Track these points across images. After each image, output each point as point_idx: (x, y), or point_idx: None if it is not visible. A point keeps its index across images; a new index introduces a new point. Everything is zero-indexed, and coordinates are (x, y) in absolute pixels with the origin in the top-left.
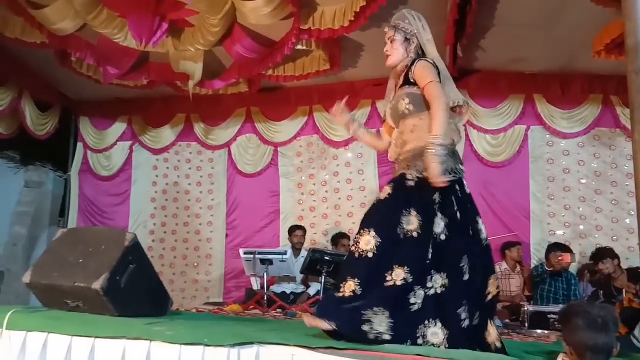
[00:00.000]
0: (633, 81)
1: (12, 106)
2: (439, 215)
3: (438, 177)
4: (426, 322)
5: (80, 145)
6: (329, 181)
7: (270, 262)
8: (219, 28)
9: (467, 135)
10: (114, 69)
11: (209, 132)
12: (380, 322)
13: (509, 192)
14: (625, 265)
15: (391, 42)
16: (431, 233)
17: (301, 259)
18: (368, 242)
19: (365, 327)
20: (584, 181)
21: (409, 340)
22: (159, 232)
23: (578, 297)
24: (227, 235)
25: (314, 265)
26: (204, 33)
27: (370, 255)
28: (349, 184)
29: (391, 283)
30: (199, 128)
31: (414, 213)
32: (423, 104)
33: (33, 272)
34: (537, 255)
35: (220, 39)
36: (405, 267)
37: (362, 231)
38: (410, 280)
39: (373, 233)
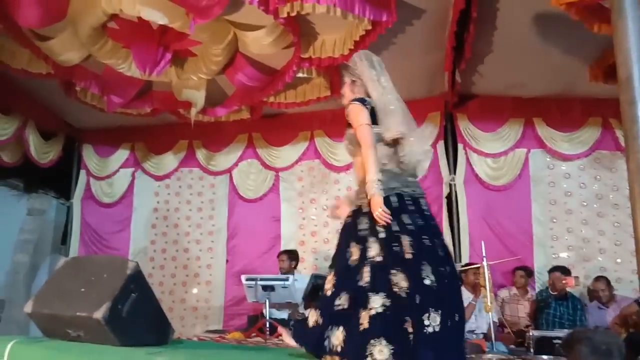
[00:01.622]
0: (626, 112)
1: (17, 135)
2: (371, 239)
3: (378, 208)
4: (372, 341)
5: (83, 172)
6: (330, 205)
7: (272, 288)
8: (221, 57)
9: (467, 159)
10: (117, 97)
11: (211, 158)
12: (336, 337)
13: (511, 215)
14: (628, 287)
15: (342, 84)
16: (365, 258)
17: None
18: (329, 281)
19: (325, 343)
20: (585, 204)
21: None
22: (159, 259)
23: (584, 323)
24: (227, 261)
25: (316, 291)
26: (207, 62)
27: (328, 293)
28: None
29: (340, 308)
30: (200, 154)
31: (353, 243)
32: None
33: (35, 302)
34: (540, 279)
35: (223, 67)
36: (348, 293)
37: (329, 271)
38: (352, 304)
39: (332, 273)
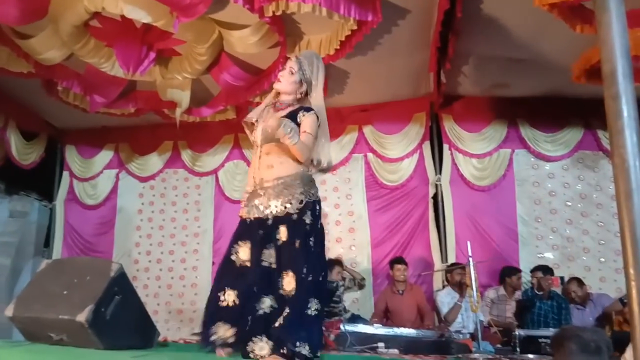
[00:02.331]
0: (610, 106)
1: None
2: (267, 245)
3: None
4: (254, 338)
5: (66, 173)
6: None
7: None
8: (206, 57)
9: (452, 160)
10: (100, 97)
11: (196, 159)
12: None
13: (496, 215)
14: (612, 286)
15: (290, 73)
16: (259, 262)
17: None
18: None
19: None
20: (569, 203)
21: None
22: (144, 261)
23: (569, 321)
24: (213, 263)
25: None
26: (191, 61)
27: None
28: (337, 208)
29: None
30: (186, 155)
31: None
32: None
33: (16, 305)
34: (526, 278)
35: (208, 67)
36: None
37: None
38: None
39: None
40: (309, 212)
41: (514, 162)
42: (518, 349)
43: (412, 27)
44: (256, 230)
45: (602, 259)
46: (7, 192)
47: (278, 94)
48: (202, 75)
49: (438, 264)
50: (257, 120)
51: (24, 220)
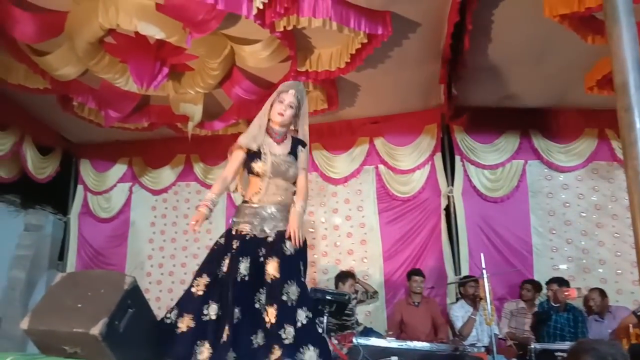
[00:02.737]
0: (622, 118)
1: (13, 150)
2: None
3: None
4: (197, 343)
5: (80, 187)
6: (328, 218)
7: None
8: (218, 71)
9: (464, 171)
10: (115, 112)
11: (208, 172)
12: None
13: (510, 226)
14: (629, 299)
15: (290, 107)
16: (236, 273)
17: None
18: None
19: None
20: (584, 214)
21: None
22: (156, 274)
23: (585, 334)
24: None
25: (315, 305)
26: (204, 76)
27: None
28: (348, 220)
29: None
30: (198, 168)
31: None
32: None
33: (31, 318)
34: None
35: (220, 81)
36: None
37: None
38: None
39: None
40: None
41: (527, 173)
42: None
43: (422, 40)
44: (257, 247)
45: (619, 271)
46: (23, 206)
47: (268, 120)
48: (214, 90)
49: (451, 276)
50: (258, 150)
51: (39, 234)
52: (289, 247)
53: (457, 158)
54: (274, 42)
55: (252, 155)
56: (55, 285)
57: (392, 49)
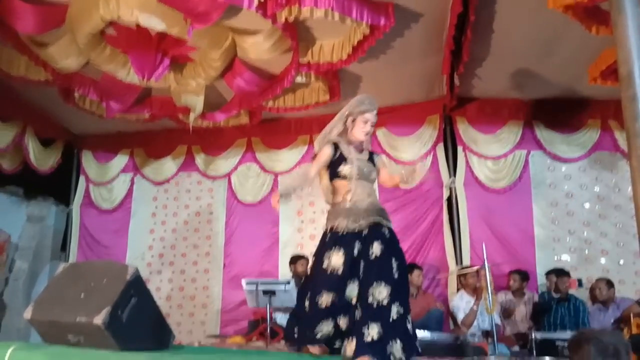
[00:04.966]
0: (627, 108)
1: (16, 142)
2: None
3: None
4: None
5: (82, 178)
6: None
7: (273, 292)
8: (219, 62)
9: (467, 162)
10: (116, 103)
11: (210, 162)
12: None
13: (512, 217)
14: (631, 289)
15: (372, 127)
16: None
17: None
18: (381, 292)
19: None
20: (587, 205)
21: None
22: (156, 264)
23: (586, 324)
24: (224, 265)
25: None
26: (205, 67)
27: (385, 303)
28: None
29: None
30: (199, 159)
31: (394, 258)
32: None
33: (34, 308)
34: (543, 281)
35: (221, 72)
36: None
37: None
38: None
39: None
40: None
41: (529, 163)
42: (534, 352)
43: (425, 31)
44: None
45: (621, 262)
46: (25, 197)
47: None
48: (215, 81)
49: (452, 267)
50: (341, 155)
51: (41, 225)
52: (387, 233)
53: (460, 149)
54: (276, 33)
55: (337, 161)
56: (58, 276)
57: (394, 40)
